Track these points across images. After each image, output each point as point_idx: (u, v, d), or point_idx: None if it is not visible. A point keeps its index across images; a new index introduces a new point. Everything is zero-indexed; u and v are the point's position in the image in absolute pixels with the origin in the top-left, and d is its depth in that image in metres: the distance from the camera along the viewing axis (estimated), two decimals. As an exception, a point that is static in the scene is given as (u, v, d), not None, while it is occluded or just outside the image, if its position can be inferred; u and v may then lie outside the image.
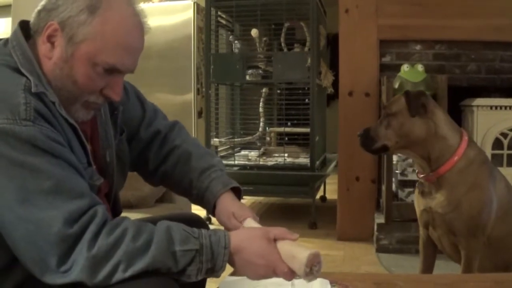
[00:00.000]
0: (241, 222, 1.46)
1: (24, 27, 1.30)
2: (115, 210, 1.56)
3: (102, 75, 1.27)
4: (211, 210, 1.56)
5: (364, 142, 2.39)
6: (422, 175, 2.31)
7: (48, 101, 1.22)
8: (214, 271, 1.22)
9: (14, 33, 1.29)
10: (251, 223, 1.45)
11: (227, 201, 1.54)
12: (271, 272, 1.26)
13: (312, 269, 1.23)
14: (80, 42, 1.24)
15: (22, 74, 1.21)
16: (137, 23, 1.31)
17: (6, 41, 1.30)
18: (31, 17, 1.30)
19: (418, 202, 2.37)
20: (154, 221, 1.62)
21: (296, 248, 1.26)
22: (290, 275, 1.25)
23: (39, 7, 1.29)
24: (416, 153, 2.30)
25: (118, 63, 1.27)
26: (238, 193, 1.59)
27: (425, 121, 2.25)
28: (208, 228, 1.80)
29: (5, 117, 1.13)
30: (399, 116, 2.29)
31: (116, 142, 1.52)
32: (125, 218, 1.22)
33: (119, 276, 1.12)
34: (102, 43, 1.24)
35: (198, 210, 2.04)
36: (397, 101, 2.33)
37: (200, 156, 1.62)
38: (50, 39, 1.25)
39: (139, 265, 1.13)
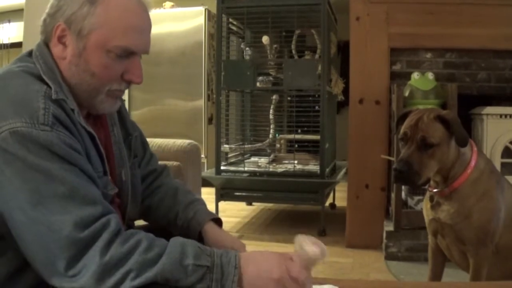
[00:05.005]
0: None
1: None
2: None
3: (118, 60, 1.30)
4: (197, 238, 1.57)
5: (409, 179, 2.14)
6: (435, 190, 2.26)
7: (68, 108, 1.24)
8: None
9: (38, 45, 1.33)
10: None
11: (213, 230, 1.58)
12: (283, 272, 1.21)
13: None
14: (89, 33, 1.27)
15: (44, 82, 1.25)
16: (139, 3, 1.33)
17: (30, 51, 1.34)
18: (40, 27, 1.34)
19: (427, 212, 2.36)
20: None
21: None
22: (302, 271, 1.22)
23: (43, 16, 1.33)
24: (439, 173, 2.21)
25: (130, 44, 1.30)
26: (219, 225, 1.63)
27: (454, 143, 2.17)
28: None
29: (24, 120, 1.15)
30: (442, 146, 2.14)
31: (130, 165, 1.55)
32: (139, 230, 1.23)
33: (127, 284, 1.13)
34: (109, 29, 1.28)
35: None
36: (435, 129, 2.14)
37: (186, 192, 1.68)
38: (61, 40, 1.30)
39: (148, 274, 1.13)
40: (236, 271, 1.19)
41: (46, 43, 1.33)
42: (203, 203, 1.65)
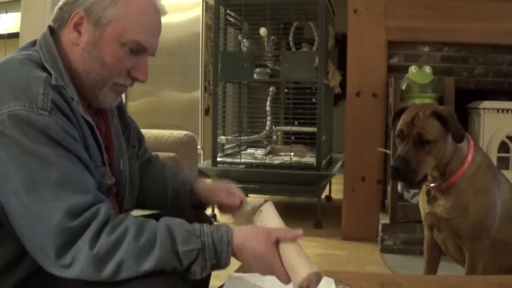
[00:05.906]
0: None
1: (52, 30, 1.37)
2: None
3: (129, 55, 1.35)
4: (187, 201, 1.64)
5: (406, 176, 2.13)
6: (432, 184, 2.26)
7: (67, 96, 1.26)
8: (219, 266, 1.24)
9: (43, 34, 1.36)
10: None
11: (204, 184, 1.67)
12: (270, 273, 1.29)
13: (309, 286, 1.23)
14: (107, 24, 1.32)
15: (46, 70, 1.26)
16: (156, 6, 1.41)
17: (35, 41, 1.36)
18: (53, 14, 1.38)
19: (423, 206, 2.36)
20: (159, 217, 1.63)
21: (299, 259, 1.25)
22: (287, 280, 1.27)
23: (60, 4, 1.36)
24: (436, 169, 2.20)
25: (143, 41, 1.35)
26: None
27: (451, 139, 2.16)
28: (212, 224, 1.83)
29: (23, 104, 1.17)
30: (439, 142, 2.13)
31: (128, 155, 1.57)
32: (127, 215, 1.24)
33: (124, 275, 1.14)
34: (128, 23, 1.33)
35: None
36: (431, 126, 2.12)
37: (172, 167, 1.75)
38: (77, 27, 1.33)
39: (145, 266, 1.15)
40: (229, 247, 1.24)
41: (53, 33, 1.35)
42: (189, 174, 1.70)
